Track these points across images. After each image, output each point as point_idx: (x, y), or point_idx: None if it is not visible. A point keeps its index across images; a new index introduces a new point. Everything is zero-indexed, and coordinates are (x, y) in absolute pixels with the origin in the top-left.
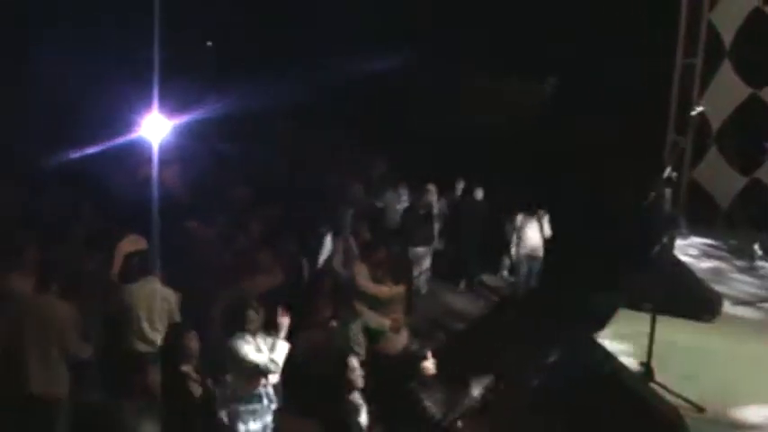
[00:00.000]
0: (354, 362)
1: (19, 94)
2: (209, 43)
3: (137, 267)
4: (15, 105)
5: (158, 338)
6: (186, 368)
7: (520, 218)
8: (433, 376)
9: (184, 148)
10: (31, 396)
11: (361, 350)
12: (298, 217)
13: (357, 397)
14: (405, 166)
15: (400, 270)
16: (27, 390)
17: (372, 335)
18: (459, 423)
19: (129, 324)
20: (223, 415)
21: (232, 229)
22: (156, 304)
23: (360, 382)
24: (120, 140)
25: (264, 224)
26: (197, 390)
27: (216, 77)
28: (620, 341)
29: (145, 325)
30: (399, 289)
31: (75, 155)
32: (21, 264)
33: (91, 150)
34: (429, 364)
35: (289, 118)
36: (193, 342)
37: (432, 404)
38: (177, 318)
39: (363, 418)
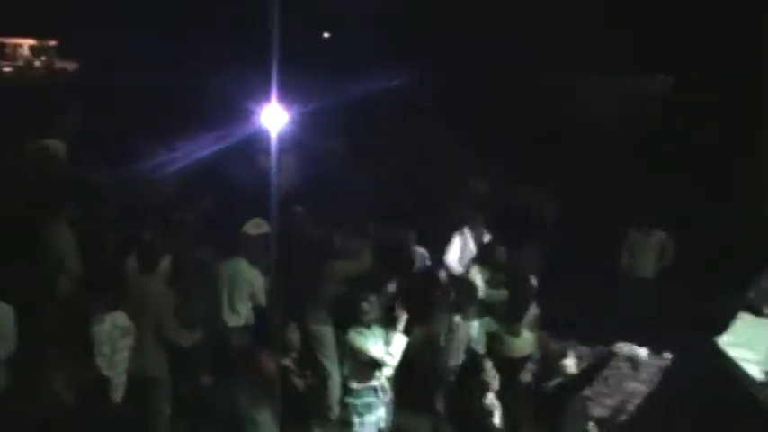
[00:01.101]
0: (488, 363)
1: (142, 83)
2: (326, 35)
3: (260, 250)
4: (137, 93)
5: (236, 320)
6: (287, 361)
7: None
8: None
9: (302, 139)
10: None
11: (482, 349)
12: (415, 211)
13: (492, 398)
14: (521, 167)
15: (518, 274)
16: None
17: (490, 337)
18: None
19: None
20: (334, 408)
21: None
22: (239, 284)
23: (495, 383)
24: (239, 130)
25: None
26: (299, 383)
27: (334, 70)
28: (742, 347)
29: (225, 304)
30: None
31: (195, 144)
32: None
33: (209, 139)
34: (570, 363)
35: (404, 112)
36: (295, 335)
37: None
38: (262, 301)
39: (497, 420)
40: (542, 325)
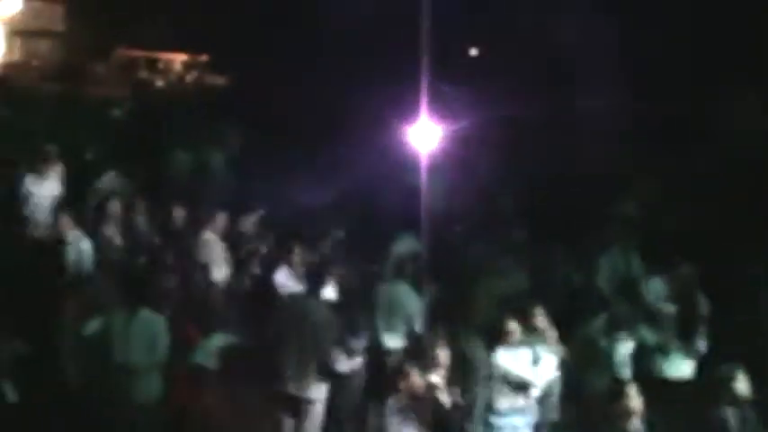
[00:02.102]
0: (632, 388)
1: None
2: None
3: (410, 268)
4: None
5: (394, 342)
6: (435, 378)
7: None
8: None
9: (452, 155)
10: (284, 393)
11: (628, 373)
12: (565, 228)
13: (637, 424)
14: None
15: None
16: (282, 387)
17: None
18: None
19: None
20: (479, 429)
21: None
22: (397, 309)
23: (639, 408)
24: (389, 146)
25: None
26: (446, 400)
27: (482, 86)
28: None
29: (382, 327)
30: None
31: (345, 159)
32: (289, 262)
33: (359, 155)
34: (742, 386)
35: (557, 128)
36: (443, 352)
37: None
38: (417, 326)
39: None
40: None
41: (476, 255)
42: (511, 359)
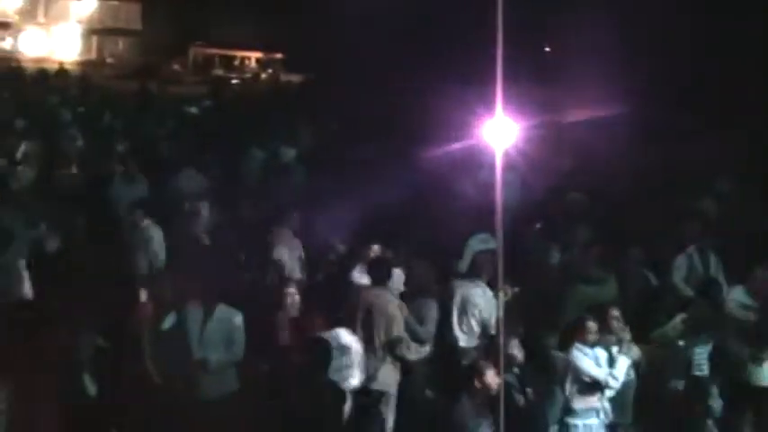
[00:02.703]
0: (714, 389)
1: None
2: (547, 48)
3: (486, 266)
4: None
5: (467, 341)
6: (510, 377)
7: None
8: None
9: (528, 154)
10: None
11: (705, 372)
12: (644, 229)
13: (711, 426)
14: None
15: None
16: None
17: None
18: None
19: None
20: (554, 428)
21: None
22: (470, 308)
23: (719, 410)
24: (463, 144)
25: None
26: (520, 399)
27: (557, 83)
28: None
29: (455, 324)
30: None
31: (421, 157)
32: (362, 259)
33: (435, 152)
34: None
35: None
36: (518, 351)
37: None
38: (491, 328)
39: None
40: None
41: (555, 257)
42: (587, 359)
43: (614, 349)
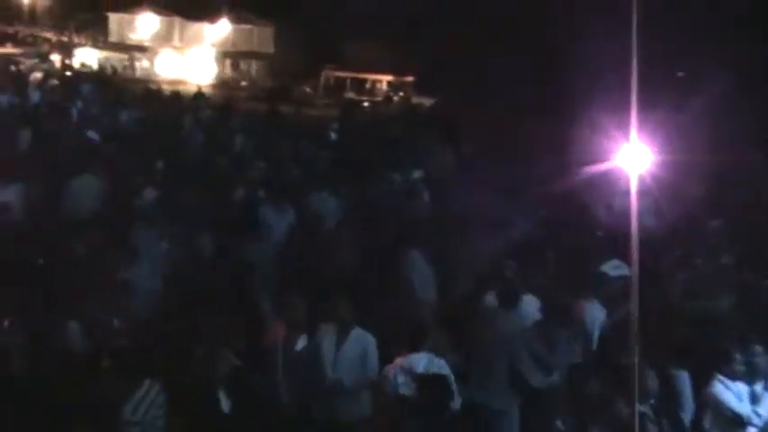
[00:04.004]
0: None
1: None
2: (681, 74)
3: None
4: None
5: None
6: (644, 408)
7: None
8: None
9: (661, 179)
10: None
11: None
12: None
13: None
14: None
15: None
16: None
17: None
18: None
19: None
20: None
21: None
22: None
23: None
24: (597, 168)
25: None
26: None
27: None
28: None
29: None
30: None
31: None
32: (494, 283)
33: (570, 177)
34: None
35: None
36: (651, 380)
37: None
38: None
39: None
40: None
41: (684, 280)
42: (728, 392)
43: (758, 386)
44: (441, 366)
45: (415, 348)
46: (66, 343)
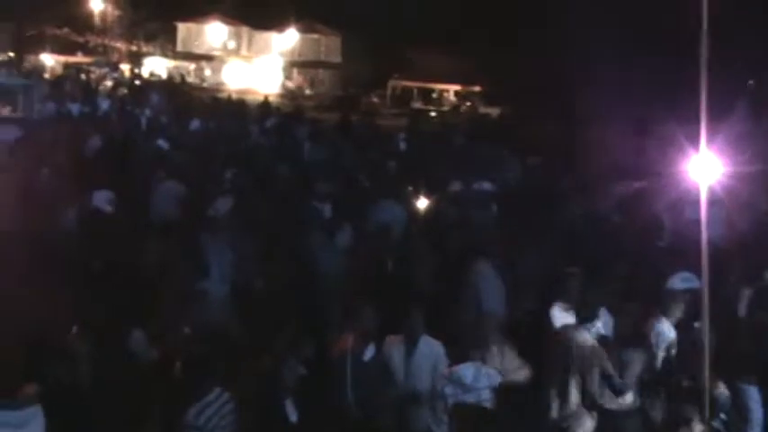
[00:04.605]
0: None
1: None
2: (751, 82)
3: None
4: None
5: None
6: (716, 424)
7: None
8: None
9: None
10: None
11: None
12: None
13: None
14: None
15: None
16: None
17: None
18: None
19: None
20: None
21: None
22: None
23: None
24: (667, 179)
25: None
26: None
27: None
28: None
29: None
30: None
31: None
32: (566, 296)
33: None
34: None
35: None
36: (722, 395)
37: None
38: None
39: None
40: None
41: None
42: None
43: None
44: (490, 375)
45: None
46: (131, 350)
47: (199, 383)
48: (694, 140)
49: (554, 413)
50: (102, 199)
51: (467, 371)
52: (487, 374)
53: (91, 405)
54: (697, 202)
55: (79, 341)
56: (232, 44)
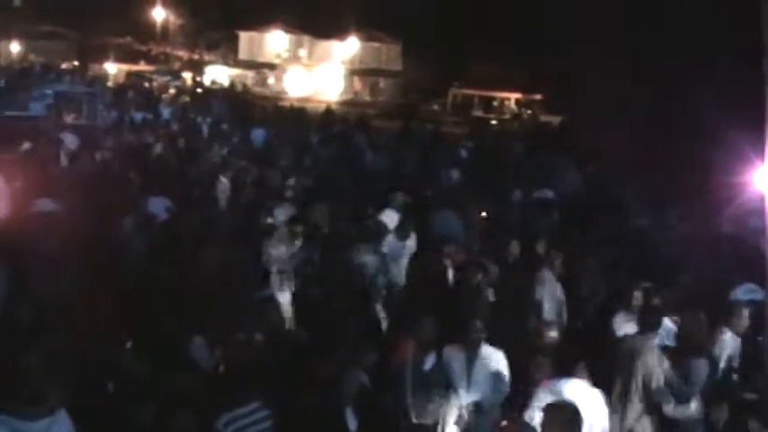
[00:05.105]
0: None
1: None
2: None
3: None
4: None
5: None
6: None
7: None
8: None
9: None
10: None
11: None
12: None
13: None
14: None
15: None
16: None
17: None
18: None
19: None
20: None
21: None
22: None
23: None
24: (731, 188)
25: None
26: None
27: None
28: None
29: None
30: None
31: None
32: (628, 305)
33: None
34: None
35: None
36: None
37: None
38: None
39: None
40: None
41: None
42: None
43: None
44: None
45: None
46: (191, 357)
47: (235, 393)
48: (758, 150)
49: (617, 421)
50: (159, 206)
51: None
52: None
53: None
54: (761, 212)
55: (132, 356)
56: (294, 52)
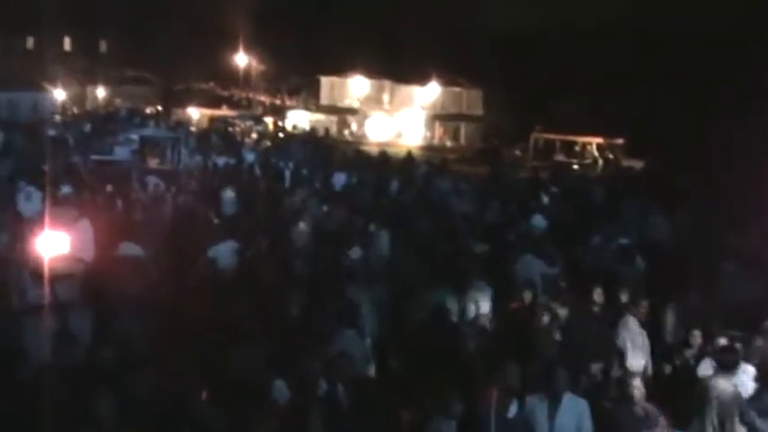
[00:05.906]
0: None
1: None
2: None
3: None
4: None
5: None
6: None
7: None
8: None
9: None
10: None
11: None
12: None
13: None
14: None
15: None
16: None
17: None
18: None
19: None
20: None
21: None
22: None
23: None
24: None
25: None
26: None
27: None
28: None
29: None
30: None
31: None
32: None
33: None
34: None
35: None
36: None
37: None
38: None
39: None
40: None
41: None
42: None
43: None
44: None
45: None
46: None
47: None
48: None
49: None
50: (225, 251)
51: None
52: None
53: None
54: None
55: (209, 408)
56: (375, 97)
